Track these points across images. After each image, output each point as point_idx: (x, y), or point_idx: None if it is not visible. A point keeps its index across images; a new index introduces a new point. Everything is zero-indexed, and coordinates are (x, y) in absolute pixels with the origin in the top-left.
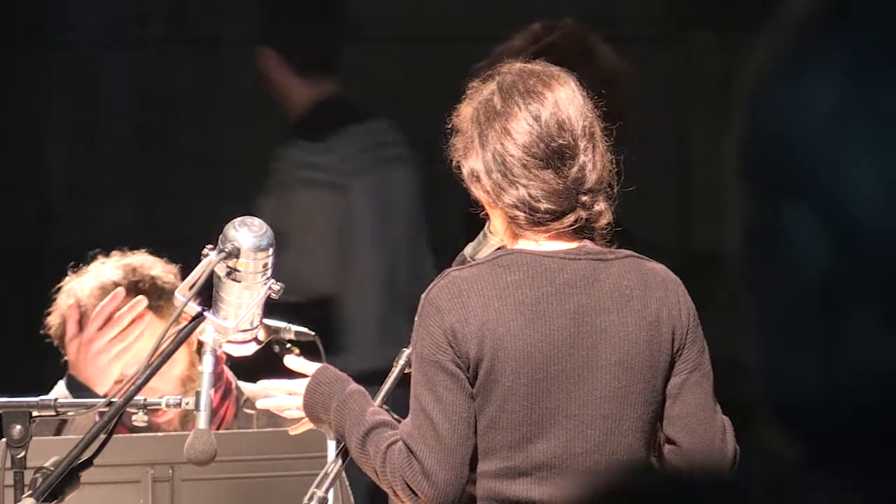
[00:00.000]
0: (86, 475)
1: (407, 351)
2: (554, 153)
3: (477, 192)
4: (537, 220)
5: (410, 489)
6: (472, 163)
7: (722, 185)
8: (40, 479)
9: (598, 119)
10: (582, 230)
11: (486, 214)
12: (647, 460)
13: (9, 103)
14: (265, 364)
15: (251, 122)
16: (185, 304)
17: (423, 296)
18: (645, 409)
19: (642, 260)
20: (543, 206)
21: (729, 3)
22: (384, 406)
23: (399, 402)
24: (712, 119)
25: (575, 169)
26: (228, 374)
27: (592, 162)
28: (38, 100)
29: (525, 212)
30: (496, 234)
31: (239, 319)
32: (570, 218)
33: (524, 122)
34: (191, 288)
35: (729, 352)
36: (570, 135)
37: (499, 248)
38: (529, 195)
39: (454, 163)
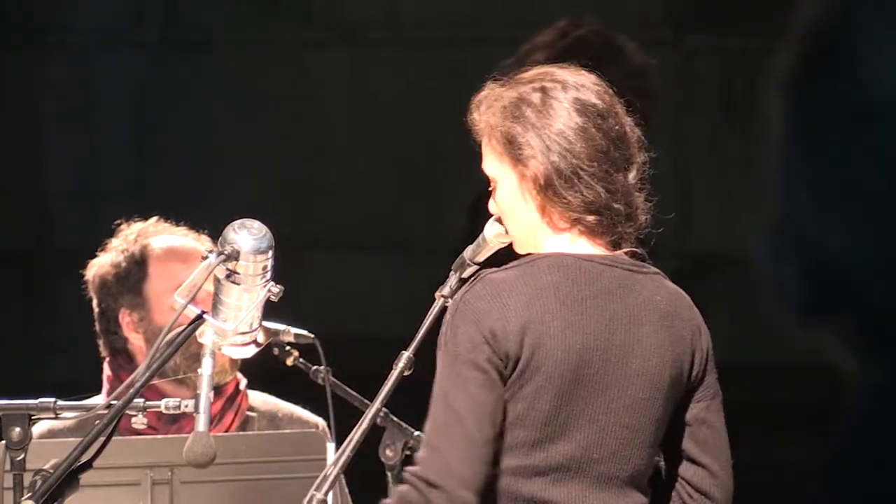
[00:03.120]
0: (85, 477)
1: (406, 353)
2: (620, 159)
3: (529, 193)
4: (606, 224)
5: (429, 484)
6: (535, 166)
7: (721, 188)
8: (40, 482)
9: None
10: (620, 240)
11: (490, 216)
12: None
13: (7, 105)
14: (264, 366)
15: (249, 123)
16: (185, 307)
17: (456, 298)
18: (659, 423)
19: (666, 279)
20: (612, 206)
21: (727, 5)
22: (384, 410)
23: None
24: (711, 121)
25: (632, 176)
26: (239, 377)
27: (639, 172)
28: (36, 101)
29: (596, 213)
30: (505, 237)
31: (238, 322)
32: (626, 224)
33: (596, 130)
34: (190, 291)
35: (726, 353)
36: (629, 145)
37: (477, 265)
38: (594, 198)
39: (521, 172)
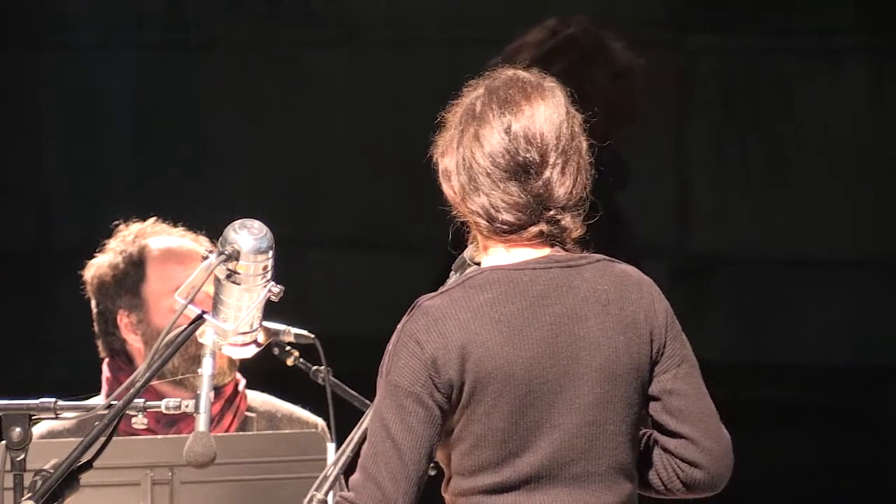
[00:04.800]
0: (85, 477)
1: None
2: (518, 166)
3: (447, 191)
4: (496, 229)
5: None
6: (447, 162)
7: (721, 188)
8: (40, 482)
9: (582, 135)
10: (551, 238)
11: (457, 213)
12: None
13: (8, 105)
14: (264, 366)
15: (249, 123)
16: (185, 307)
17: (398, 327)
18: (628, 411)
19: (613, 263)
20: (502, 216)
21: (727, 5)
22: None
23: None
24: (712, 121)
25: (539, 184)
26: (238, 377)
27: (560, 179)
28: (37, 101)
29: (486, 220)
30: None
31: (239, 322)
32: (533, 231)
33: (495, 132)
34: (190, 291)
35: (726, 353)
36: (538, 150)
37: (476, 265)
38: (491, 204)
39: (433, 158)
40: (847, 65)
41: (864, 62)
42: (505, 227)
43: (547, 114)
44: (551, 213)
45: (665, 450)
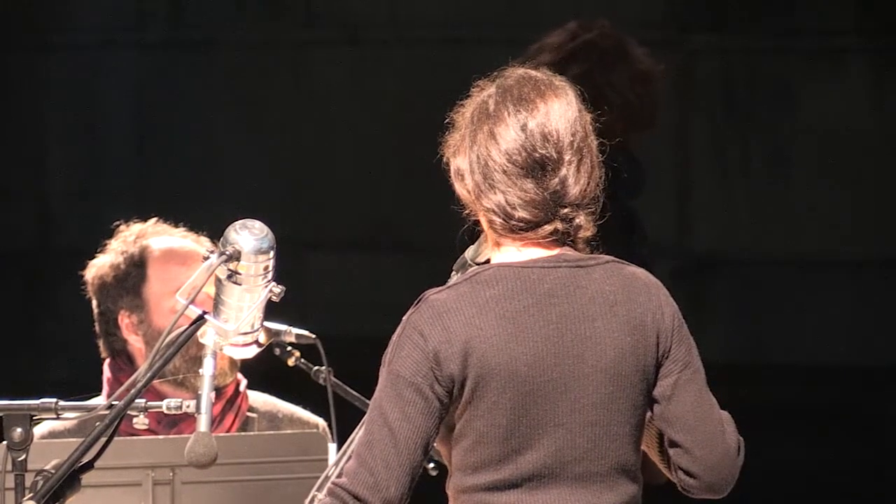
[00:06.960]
0: (86, 478)
1: None
2: (535, 163)
3: (460, 191)
4: (511, 227)
5: (358, 499)
6: (460, 161)
7: (721, 188)
8: (41, 482)
9: (593, 134)
10: (563, 238)
11: (470, 213)
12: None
13: (9, 104)
14: (265, 366)
15: (251, 123)
16: (186, 307)
17: (403, 318)
18: (633, 413)
19: (623, 264)
20: (518, 214)
21: (727, 5)
22: None
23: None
24: (712, 121)
25: (555, 181)
26: (239, 377)
27: (576, 177)
28: (38, 101)
29: (501, 217)
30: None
31: (240, 322)
32: (547, 229)
33: (511, 130)
34: (191, 291)
35: (728, 353)
36: (554, 147)
37: (478, 265)
38: (507, 202)
39: (444, 159)
40: (848, 65)
41: (864, 62)
42: (521, 224)
43: (561, 111)
44: (566, 210)
45: (670, 458)
